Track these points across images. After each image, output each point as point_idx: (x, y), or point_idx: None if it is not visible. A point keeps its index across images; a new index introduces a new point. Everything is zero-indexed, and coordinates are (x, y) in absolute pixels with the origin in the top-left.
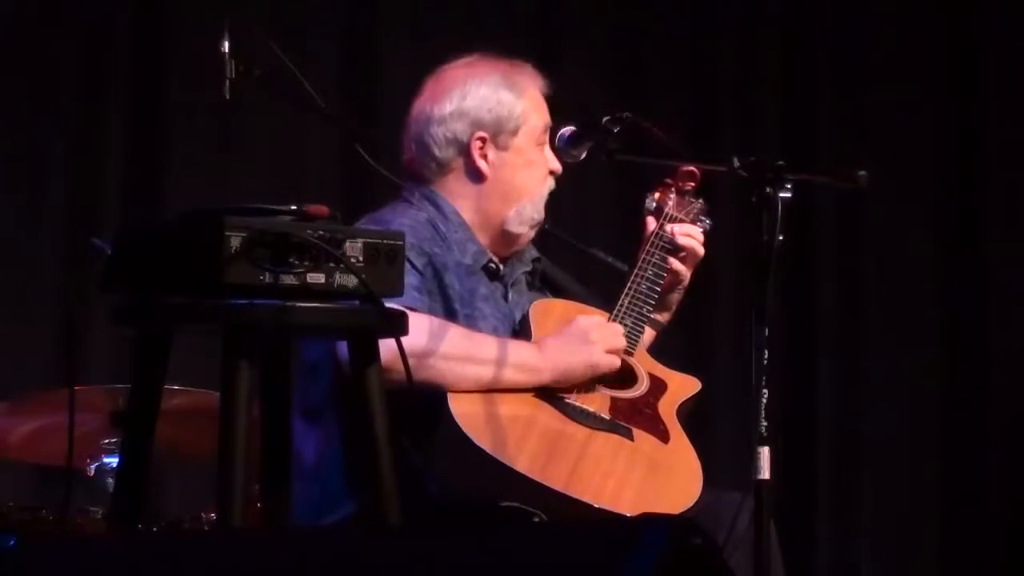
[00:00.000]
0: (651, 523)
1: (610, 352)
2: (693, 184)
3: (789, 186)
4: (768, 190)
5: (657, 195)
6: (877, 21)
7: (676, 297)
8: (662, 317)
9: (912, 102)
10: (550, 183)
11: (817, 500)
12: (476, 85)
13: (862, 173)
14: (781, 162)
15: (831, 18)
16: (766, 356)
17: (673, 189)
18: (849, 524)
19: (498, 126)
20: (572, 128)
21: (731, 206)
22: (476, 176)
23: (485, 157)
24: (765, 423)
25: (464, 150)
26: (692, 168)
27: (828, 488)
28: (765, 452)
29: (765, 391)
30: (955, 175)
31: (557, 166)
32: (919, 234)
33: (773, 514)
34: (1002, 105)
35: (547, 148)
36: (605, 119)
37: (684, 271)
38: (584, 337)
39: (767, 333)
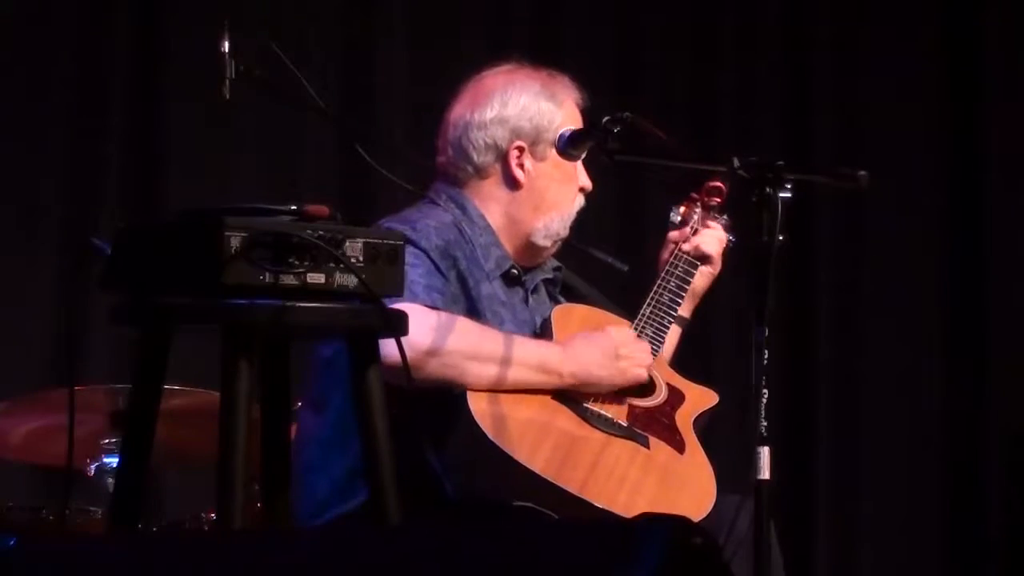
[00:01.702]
0: (651, 523)
1: (635, 371)
2: (719, 200)
3: (789, 186)
4: (768, 190)
5: (683, 209)
6: (877, 22)
7: (696, 298)
8: (685, 312)
9: (912, 103)
10: (580, 200)
11: (817, 500)
12: (517, 93)
13: (862, 173)
14: (781, 162)
15: (831, 20)
16: (766, 356)
17: (699, 204)
18: (849, 524)
19: (537, 135)
20: (572, 128)
21: (731, 206)
22: (512, 184)
23: (522, 166)
24: (765, 423)
25: (502, 157)
26: (719, 184)
27: (828, 488)
28: (765, 452)
29: (765, 391)
30: (956, 176)
31: (588, 183)
32: (919, 234)
33: (773, 514)
34: (1003, 105)
35: (579, 165)
36: (605, 119)
37: (705, 271)
38: (613, 351)
39: (767, 333)
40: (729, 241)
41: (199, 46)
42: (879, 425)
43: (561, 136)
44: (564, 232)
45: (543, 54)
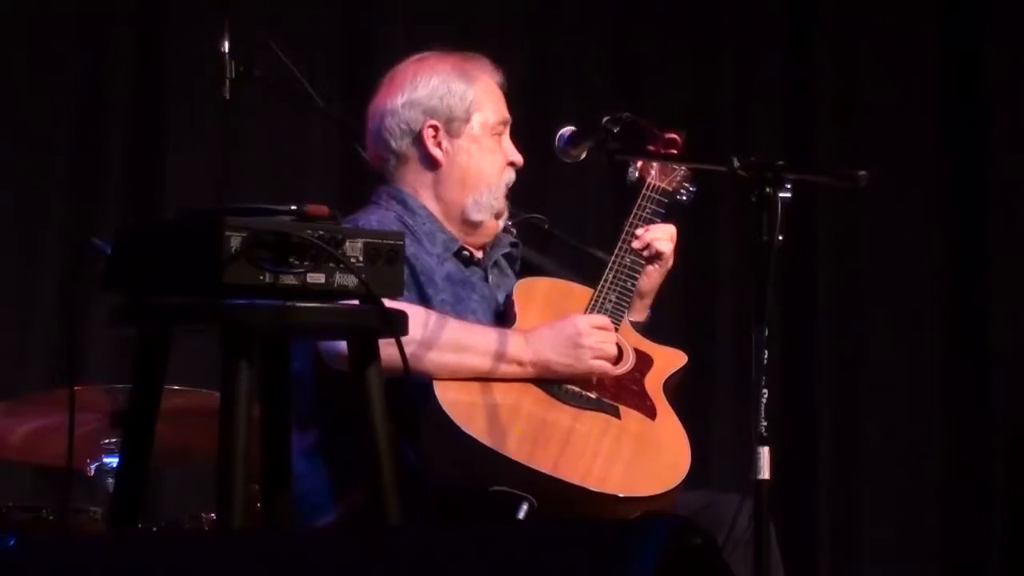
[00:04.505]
0: (651, 523)
1: (598, 359)
2: (675, 151)
3: (789, 186)
4: (768, 190)
5: (639, 165)
6: (877, 21)
7: (648, 298)
8: (638, 316)
9: (912, 103)
10: (509, 174)
11: (817, 500)
12: (427, 76)
13: (862, 173)
14: (781, 162)
15: (831, 18)
16: (766, 356)
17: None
18: (849, 523)
19: (449, 113)
20: (572, 128)
21: (732, 206)
22: (431, 164)
23: (439, 145)
24: (765, 423)
25: (418, 139)
26: (673, 135)
27: (828, 488)
28: (765, 452)
29: (765, 391)
30: (956, 175)
31: (518, 158)
32: (920, 234)
33: (773, 514)
34: (1003, 104)
35: (506, 139)
36: (605, 119)
37: (654, 272)
38: (575, 340)
39: (767, 333)
40: (690, 192)
41: (199, 46)
42: (879, 425)
43: (560, 136)
44: (498, 204)
45: (543, 53)
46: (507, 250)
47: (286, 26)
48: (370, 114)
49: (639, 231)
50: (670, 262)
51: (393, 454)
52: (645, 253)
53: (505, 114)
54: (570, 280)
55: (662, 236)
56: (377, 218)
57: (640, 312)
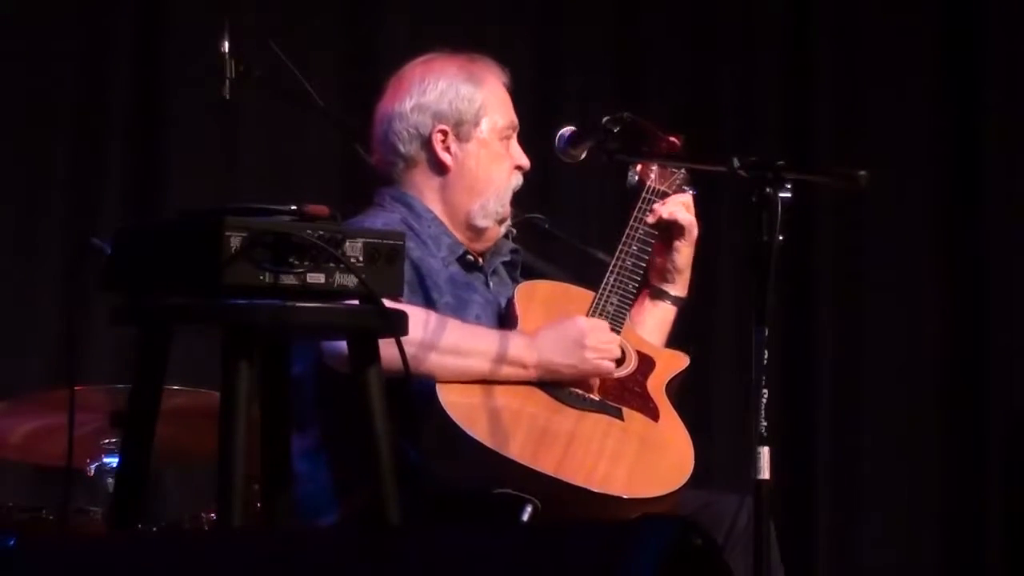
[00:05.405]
0: (651, 523)
1: (602, 360)
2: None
3: (789, 186)
4: (768, 190)
5: (638, 168)
6: (877, 21)
7: (684, 272)
8: (679, 291)
9: (913, 102)
10: (516, 179)
11: (817, 500)
12: (435, 79)
13: (862, 173)
14: (781, 162)
15: (831, 18)
16: (766, 356)
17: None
18: (849, 522)
19: (459, 117)
20: (572, 128)
21: (732, 206)
22: (440, 168)
23: (448, 149)
24: (765, 423)
25: (426, 143)
26: (672, 138)
27: (828, 488)
28: (765, 452)
29: (765, 391)
30: (955, 175)
31: (525, 162)
32: (920, 234)
33: (773, 514)
34: (1002, 104)
35: (514, 144)
36: (605, 119)
37: (682, 246)
38: (579, 342)
39: (767, 333)
40: (691, 193)
41: (199, 46)
42: (879, 425)
43: (560, 136)
44: (503, 210)
45: (545, 53)
46: (507, 258)
47: (287, 26)
48: (377, 118)
49: (656, 205)
50: (695, 231)
51: (393, 455)
52: (659, 226)
53: (513, 118)
54: (570, 283)
55: (678, 208)
56: (383, 221)
57: (682, 288)
